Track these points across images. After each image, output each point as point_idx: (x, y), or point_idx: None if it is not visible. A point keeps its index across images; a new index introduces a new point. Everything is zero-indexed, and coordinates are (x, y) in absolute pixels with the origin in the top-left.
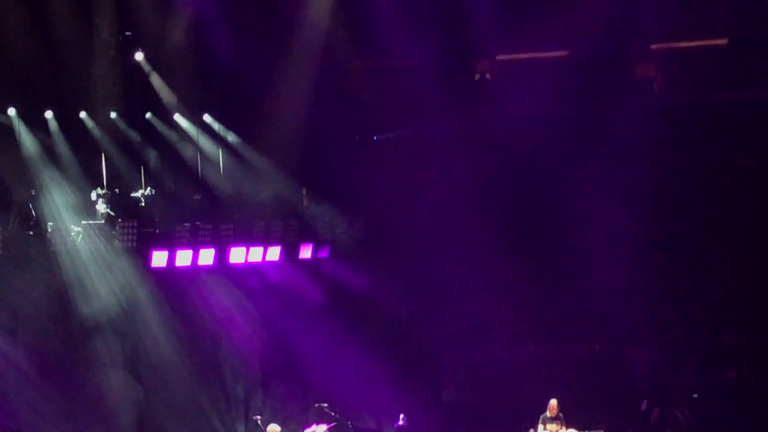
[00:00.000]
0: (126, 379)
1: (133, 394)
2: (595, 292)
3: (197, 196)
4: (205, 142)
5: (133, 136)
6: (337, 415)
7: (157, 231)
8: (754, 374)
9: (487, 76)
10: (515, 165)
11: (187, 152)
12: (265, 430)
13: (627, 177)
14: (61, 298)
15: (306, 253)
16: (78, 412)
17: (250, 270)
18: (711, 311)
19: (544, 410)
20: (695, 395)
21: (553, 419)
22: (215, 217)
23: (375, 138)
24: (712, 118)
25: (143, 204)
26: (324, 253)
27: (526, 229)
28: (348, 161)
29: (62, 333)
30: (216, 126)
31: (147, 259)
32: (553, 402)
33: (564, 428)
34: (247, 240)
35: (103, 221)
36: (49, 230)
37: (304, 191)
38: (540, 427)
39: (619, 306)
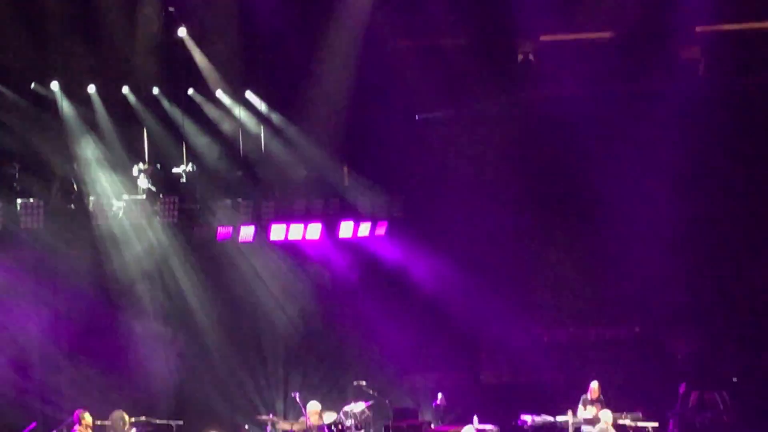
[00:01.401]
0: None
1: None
2: (635, 275)
3: (238, 173)
4: (246, 119)
5: (175, 111)
6: (375, 393)
7: (199, 207)
8: None
9: (530, 56)
10: (556, 146)
11: (229, 129)
12: (304, 407)
13: (669, 159)
14: (101, 268)
15: (347, 230)
16: (118, 385)
17: (290, 247)
18: (752, 295)
19: (585, 392)
20: (735, 379)
21: (593, 402)
22: (256, 194)
23: (417, 117)
24: (758, 101)
25: (184, 180)
26: (364, 230)
27: (567, 211)
28: (390, 139)
29: (102, 300)
30: (258, 102)
31: (188, 234)
32: (595, 384)
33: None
34: (288, 217)
35: (144, 196)
36: (91, 204)
37: (345, 169)
38: (580, 408)
39: (659, 289)
